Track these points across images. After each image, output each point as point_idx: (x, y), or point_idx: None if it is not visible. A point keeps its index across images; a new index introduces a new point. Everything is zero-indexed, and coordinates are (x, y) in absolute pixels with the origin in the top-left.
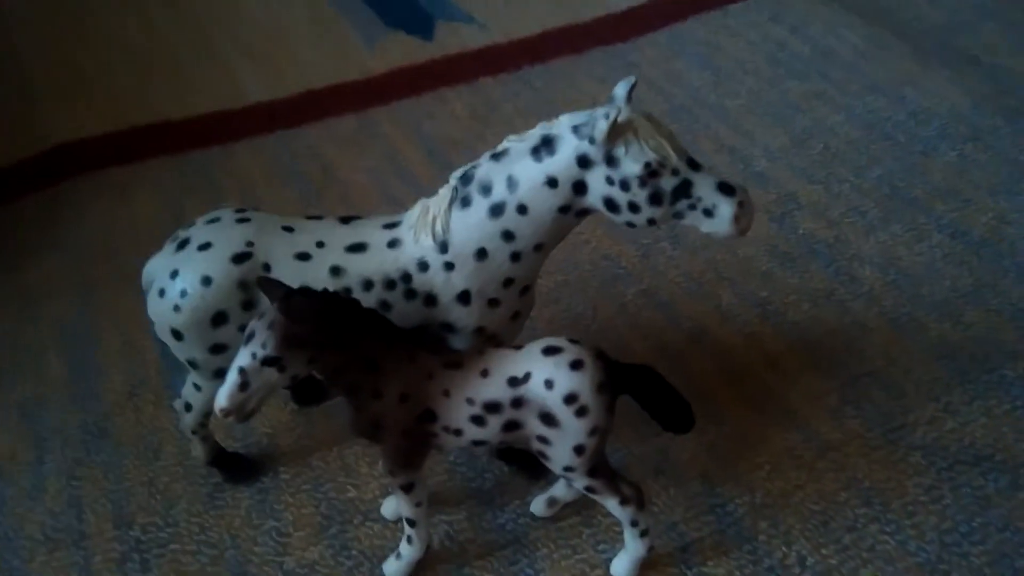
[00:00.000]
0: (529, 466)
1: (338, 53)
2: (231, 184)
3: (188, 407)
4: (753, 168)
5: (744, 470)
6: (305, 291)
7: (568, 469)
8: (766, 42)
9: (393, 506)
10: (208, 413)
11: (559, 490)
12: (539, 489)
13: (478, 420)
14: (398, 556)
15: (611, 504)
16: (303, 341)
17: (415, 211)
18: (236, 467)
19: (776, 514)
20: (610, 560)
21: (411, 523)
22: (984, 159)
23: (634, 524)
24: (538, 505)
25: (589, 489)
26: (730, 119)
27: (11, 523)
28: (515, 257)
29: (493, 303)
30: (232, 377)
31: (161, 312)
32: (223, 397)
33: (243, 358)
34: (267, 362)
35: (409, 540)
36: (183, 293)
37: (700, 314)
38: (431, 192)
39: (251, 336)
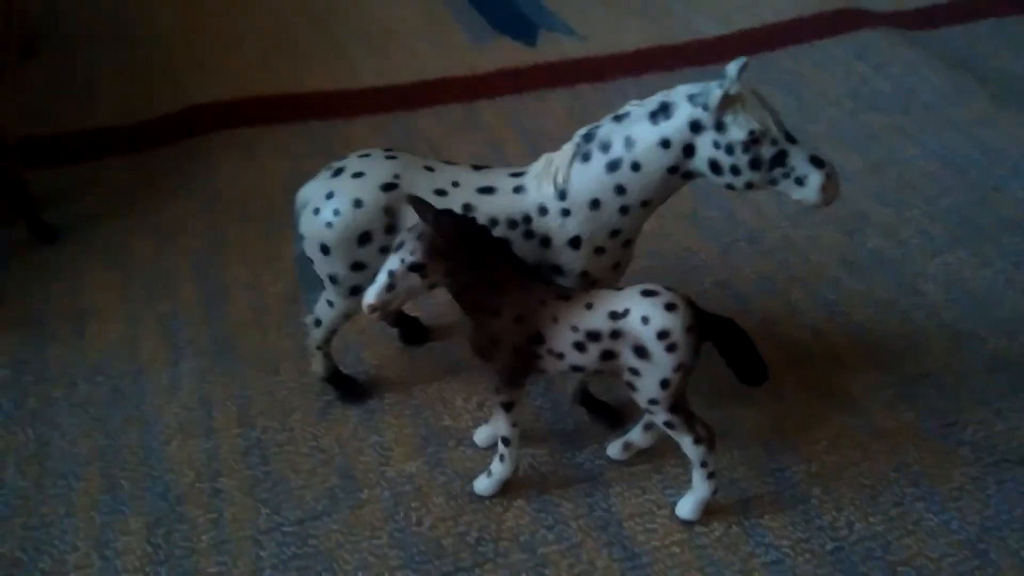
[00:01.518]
0: (607, 416)
1: (448, 50)
2: (347, 153)
3: (318, 323)
4: None
5: (803, 443)
6: (451, 212)
7: (652, 402)
8: (849, 77)
9: (486, 434)
10: (335, 331)
11: (635, 435)
12: (615, 436)
13: (580, 346)
14: (488, 474)
15: (686, 442)
16: (445, 253)
17: (540, 163)
18: (348, 387)
19: (829, 483)
20: (675, 503)
21: (506, 442)
22: None
23: (704, 464)
24: (614, 448)
25: (668, 424)
26: (810, 142)
27: (151, 412)
28: (624, 210)
29: (599, 251)
30: (382, 278)
31: (314, 228)
32: (372, 294)
33: (393, 263)
34: (413, 268)
35: (502, 458)
36: (336, 212)
37: (771, 308)
38: None
39: (400, 245)
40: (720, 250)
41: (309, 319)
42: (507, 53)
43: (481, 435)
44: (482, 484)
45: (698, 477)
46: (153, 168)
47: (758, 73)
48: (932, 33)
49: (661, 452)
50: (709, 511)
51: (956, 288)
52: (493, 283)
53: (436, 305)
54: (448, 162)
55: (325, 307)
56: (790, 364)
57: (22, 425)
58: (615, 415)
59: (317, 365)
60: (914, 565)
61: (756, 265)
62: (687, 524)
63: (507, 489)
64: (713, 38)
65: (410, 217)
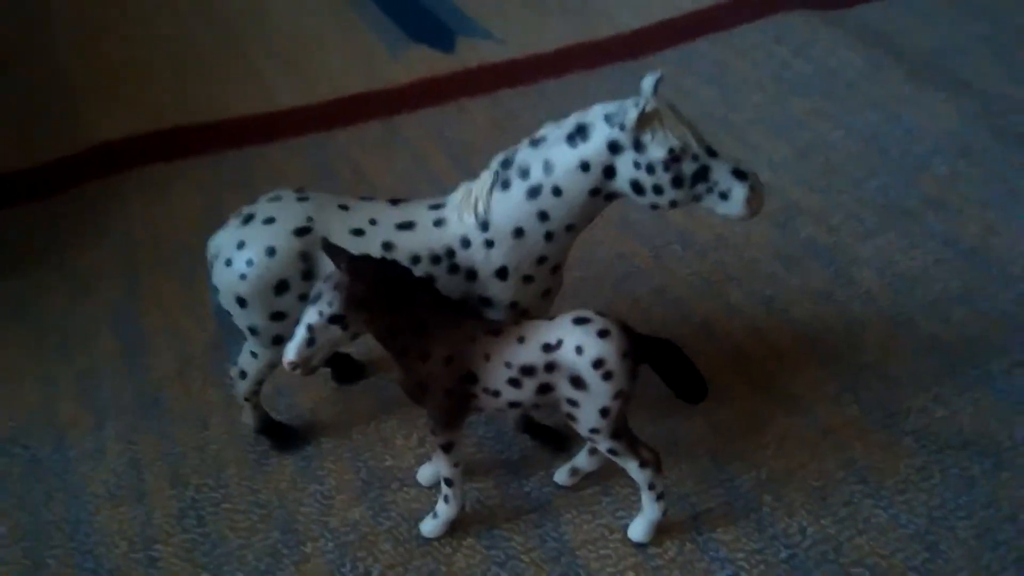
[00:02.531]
0: (551, 440)
1: (364, 63)
2: (267, 183)
3: (243, 375)
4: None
5: (750, 449)
6: (367, 257)
7: (594, 431)
8: (771, 61)
9: (429, 472)
10: (261, 381)
11: (581, 460)
12: (561, 461)
13: (514, 382)
14: (435, 515)
15: (631, 466)
16: (364, 301)
17: (458, 193)
18: (282, 435)
19: (779, 489)
20: (627, 525)
21: (448, 483)
22: (974, 175)
23: (651, 487)
24: (561, 475)
25: (612, 451)
26: (737, 132)
27: (76, 481)
28: (548, 236)
29: (527, 279)
30: (300, 333)
31: (228, 280)
32: (292, 351)
33: (310, 316)
34: (332, 320)
35: (446, 499)
36: (249, 262)
37: (710, 310)
38: None
39: (318, 296)
40: (653, 254)
41: (234, 371)
42: (425, 62)
43: (424, 474)
44: (428, 526)
45: (647, 499)
46: (60, 214)
47: (681, 64)
48: (848, 12)
49: (608, 474)
50: (662, 530)
51: (888, 272)
52: (419, 325)
53: (368, 339)
54: (364, 198)
55: (249, 358)
56: (733, 367)
57: None
58: (559, 439)
59: (247, 417)
60: (867, 564)
61: (691, 267)
62: (640, 547)
63: (455, 528)
64: (633, 31)
65: (328, 262)
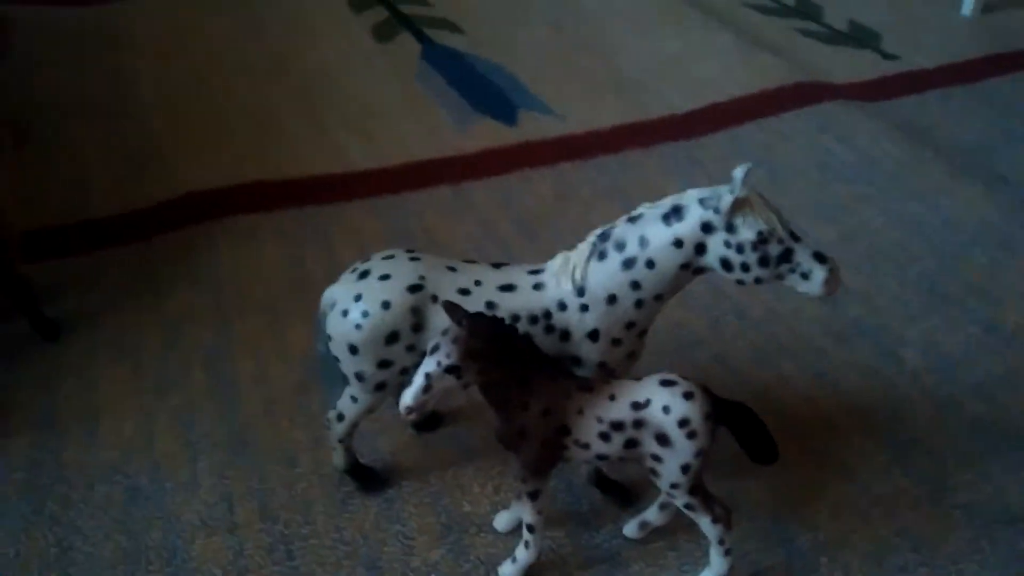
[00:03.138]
0: (620, 495)
1: (432, 132)
2: (344, 238)
3: (341, 417)
4: None
5: (807, 513)
6: (482, 315)
7: (674, 486)
8: (815, 148)
9: (506, 519)
10: (356, 424)
11: (651, 514)
12: (628, 515)
13: (604, 436)
14: (514, 560)
15: (704, 522)
16: (478, 354)
17: (556, 261)
18: (368, 477)
19: (836, 551)
20: None
21: (531, 529)
22: (1012, 265)
23: (721, 542)
24: (630, 528)
25: (688, 506)
26: (785, 215)
27: (172, 510)
28: (639, 304)
29: (616, 342)
30: (419, 381)
31: (343, 329)
32: (409, 396)
33: (429, 365)
34: (449, 370)
35: (527, 545)
36: (365, 314)
37: (764, 379)
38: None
39: (436, 348)
40: (710, 324)
41: (332, 414)
42: (489, 133)
43: (501, 521)
44: (508, 570)
45: (716, 554)
46: (152, 259)
47: (730, 147)
48: (886, 104)
49: (674, 529)
50: None
51: (933, 353)
52: (521, 379)
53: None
54: (468, 261)
55: (349, 402)
56: (787, 434)
57: (42, 530)
58: (627, 494)
59: (338, 458)
60: None
61: (747, 337)
62: None
63: (532, 573)
64: (685, 113)
65: (434, 316)
